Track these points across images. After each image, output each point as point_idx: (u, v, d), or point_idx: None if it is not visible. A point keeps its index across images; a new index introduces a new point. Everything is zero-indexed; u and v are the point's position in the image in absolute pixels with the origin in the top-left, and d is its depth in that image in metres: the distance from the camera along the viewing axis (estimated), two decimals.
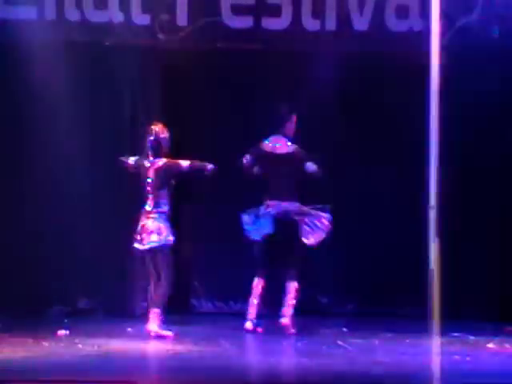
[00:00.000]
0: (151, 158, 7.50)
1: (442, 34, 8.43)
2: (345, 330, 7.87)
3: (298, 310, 8.61)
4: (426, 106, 8.72)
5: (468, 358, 6.50)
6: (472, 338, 7.46)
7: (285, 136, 7.91)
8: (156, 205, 7.43)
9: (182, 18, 8.44)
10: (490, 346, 7.07)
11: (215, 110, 8.75)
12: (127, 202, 8.28)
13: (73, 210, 8.48)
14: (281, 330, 7.73)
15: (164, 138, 7.52)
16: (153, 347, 6.98)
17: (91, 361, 6.42)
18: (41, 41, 8.27)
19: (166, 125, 7.65)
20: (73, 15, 8.36)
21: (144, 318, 8.41)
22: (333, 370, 6.10)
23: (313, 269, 8.70)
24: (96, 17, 8.38)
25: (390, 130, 8.62)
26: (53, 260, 8.46)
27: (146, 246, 7.38)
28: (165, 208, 7.45)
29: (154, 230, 7.37)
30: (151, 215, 7.41)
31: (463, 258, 8.56)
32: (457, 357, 6.54)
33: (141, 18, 8.41)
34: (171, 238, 7.44)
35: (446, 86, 8.74)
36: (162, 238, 7.39)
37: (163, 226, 7.40)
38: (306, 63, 8.68)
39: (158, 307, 7.34)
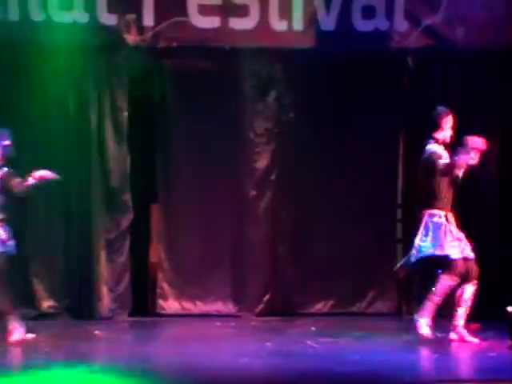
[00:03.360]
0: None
1: (407, 35, 8.54)
2: (314, 329, 7.88)
3: (268, 311, 8.65)
4: (394, 106, 8.82)
5: (435, 355, 6.52)
6: (439, 335, 7.50)
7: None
8: None
9: (148, 18, 8.41)
10: (457, 342, 7.11)
11: (183, 109, 8.73)
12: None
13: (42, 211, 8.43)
14: (251, 330, 7.77)
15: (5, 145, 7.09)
16: (121, 350, 6.93)
17: (60, 364, 6.36)
18: (4, 41, 8.20)
19: None
20: (37, 16, 8.28)
21: (112, 320, 8.40)
22: (302, 369, 6.11)
23: (282, 269, 8.73)
24: (61, 17, 8.32)
25: (358, 130, 8.65)
26: (17, 263, 8.38)
27: None
28: None
29: None
30: None
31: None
32: (424, 354, 6.56)
33: (107, 19, 8.36)
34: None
35: (412, 85, 8.85)
36: None
37: None
38: (274, 63, 8.70)
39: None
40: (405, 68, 8.79)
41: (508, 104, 8.70)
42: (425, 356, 6.49)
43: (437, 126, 7.17)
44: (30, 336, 7.19)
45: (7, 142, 7.13)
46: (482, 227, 8.34)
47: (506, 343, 6.58)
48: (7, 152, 7.13)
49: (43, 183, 7.16)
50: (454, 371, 5.99)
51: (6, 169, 7.13)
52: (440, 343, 6.99)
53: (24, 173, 7.07)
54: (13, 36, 8.26)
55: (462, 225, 7.18)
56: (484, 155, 7.09)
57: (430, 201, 7.08)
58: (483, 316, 8.02)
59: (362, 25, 8.54)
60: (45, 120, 8.40)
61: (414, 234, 8.69)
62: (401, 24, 8.57)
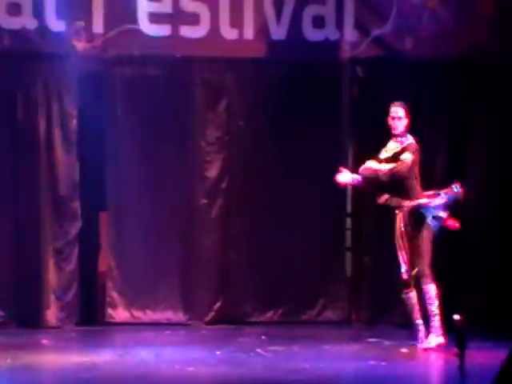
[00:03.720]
0: None
1: (356, 45, 8.62)
2: (264, 337, 7.89)
3: (218, 319, 8.64)
4: (343, 115, 8.89)
5: (383, 363, 6.58)
6: (387, 343, 7.56)
7: None
8: None
9: (98, 26, 8.36)
10: (404, 351, 7.17)
11: (134, 117, 8.70)
12: None
13: None
14: (201, 339, 7.75)
15: None
16: (69, 359, 6.86)
17: (5, 374, 6.28)
18: None
19: None
20: None
21: (60, 329, 8.32)
22: (252, 377, 6.11)
23: (233, 278, 8.72)
24: (9, 23, 8.24)
25: (308, 139, 8.69)
26: None
27: None
28: None
29: None
30: None
31: (380, 267, 8.68)
32: (372, 362, 6.61)
33: (56, 25, 8.30)
34: None
35: (361, 95, 8.93)
36: None
37: None
38: (225, 71, 8.72)
39: None
40: (355, 78, 8.87)
41: (455, 113, 8.82)
42: (372, 365, 6.53)
43: None
44: None
45: None
46: None
47: (452, 351, 6.66)
48: None
49: None
50: (400, 379, 6.03)
51: None
52: (392, 352, 7.07)
53: None
54: None
55: None
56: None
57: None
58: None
59: (312, 34, 8.59)
60: None
61: (363, 243, 8.81)
62: (351, 34, 8.65)
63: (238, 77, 8.75)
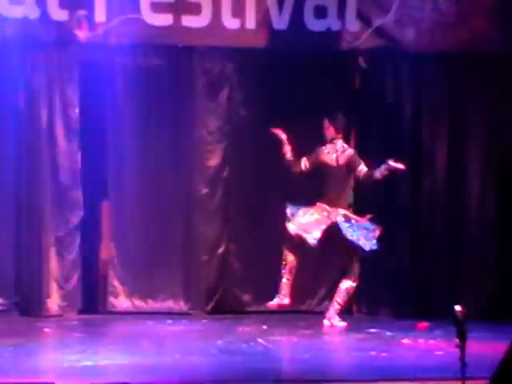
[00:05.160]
0: None
1: (358, 35, 8.61)
2: (265, 327, 7.91)
3: (218, 308, 8.67)
4: (345, 106, 8.89)
5: (384, 354, 6.60)
6: (388, 333, 7.59)
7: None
8: None
9: (100, 15, 8.36)
10: (405, 341, 7.20)
11: (135, 106, 8.70)
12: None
13: None
14: (202, 328, 7.78)
15: None
16: (71, 347, 6.89)
17: (7, 361, 6.31)
18: None
19: None
20: None
21: (61, 317, 8.35)
22: (253, 367, 6.13)
23: (233, 267, 8.74)
24: (11, 12, 8.23)
25: (310, 130, 8.68)
26: None
27: None
28: None
29: None
30: None
31: (381, 257, 8.70)
32: (373, 352, 6.64)
33: (58, 14, 8.29)
34: None
35: (363, 85, 8.93)
36: None
37: None
38: (227, 61, 8.71)
39: None
40: (356, 68, 8.87)
41: (457, 104, 8.83)
42: (373, 355, 6.56)
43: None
44: None
45: None
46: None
47: (453, 342, 6.68)
48: None
49: None
50: (400, 369, 6.05)
51: None
52: (393, 343, 7.10)
53: None
54: None
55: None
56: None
57: None
58: (431, 315, 8.16)
59: (314, 24, 8.58)
60: None
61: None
62: (352, 24, 8.64)
63: (240, 66, 8.75)
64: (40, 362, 6.41)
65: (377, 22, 8.61)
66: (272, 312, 8.66)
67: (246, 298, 8.77)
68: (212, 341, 7.11)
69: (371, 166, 7.98)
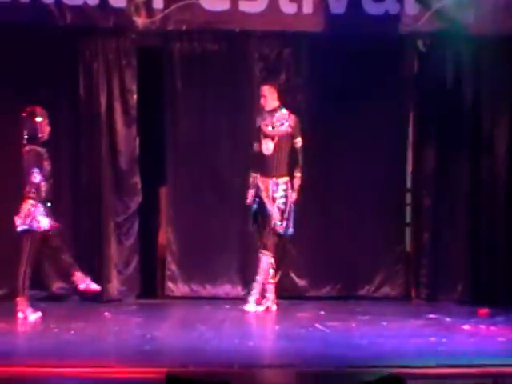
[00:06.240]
0: None
1: (417, 18, 8.49)
2: (322, 313, 7.89)
3: (277, 294, 8.66)
4: (404, 90, 8.79)
5: (444, 340, 6.53)
6: (448, 319, 7.51)
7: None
8: None
9: (157, 1, 8.37)
10: (466, 327, 7.12)
11: (192, 92, 8.72)
12: None
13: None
14: (259, 314, 7.79)
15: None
16: (130, 332, 6.96)
17: (68, 345, 6.40)
18: (13, 24, 8.18)
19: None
20: None
21: (120, 302, 8.44)
22: (310, 352, 6.12)
23: (290, 253, 8.72)
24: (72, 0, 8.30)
25: (367, 114, 8.62)
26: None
27: None
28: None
29: None
30: None
31: (440, 243, 8.62)
32: (433, 338, 6.57)
33: (116, 1, 8.33)
34: None
35: (422, 69, 8.82)
36: None
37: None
38: (283, 46, 8.67)
39: None
40: (415, 52, 8.75)
41: None
42: (433, 341, 6.49)
43: None
44: (36, 315, 7.28)
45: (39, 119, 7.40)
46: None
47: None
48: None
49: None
50: (461, 356, 5.99)
51: None
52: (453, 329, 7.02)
53: None
54: (22, 19, 8.23)
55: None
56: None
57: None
58: (492, 301, 8.05)
59: (372, 8, 8.48)
60: (54, 103, 8.39)
61: (423, 219, 8.74)
62: (411, 7, 8.51)
63: (297, 51, 8.70)
64: (100, 347, 6.48)
65: (436, 5, 8.47)
66: (329, 297, 8.64)
67: (304, 283, 8.75)
68: (270, 326, 7.12)
69: None
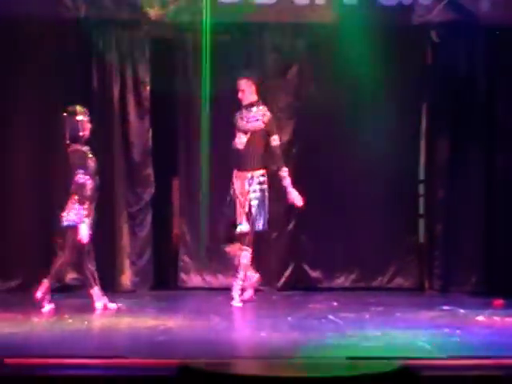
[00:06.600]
0: None
1: (430, 8, 8.45)
2: (335, 304, 7.89)
3: (289, 285, 8.67)
4: (417, 81, 8.76)
5: (458, 331, 6.52)
6: (462, 311, 7.49)
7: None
8: None
9: None
10: (480, 319, 7.11)
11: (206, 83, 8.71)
12: None
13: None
14: (272, 304, 7.79)
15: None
16: (143, 322, 6.98)
17: (81, 336, 6.42)
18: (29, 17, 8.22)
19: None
20: None
21: (134, 293, 8.46)
22: (323, 343, 6.12)
23: (303, 244, 8.73)
24: None
25: (380, 105, 8.59)
26: (41, 235, 8.45)
27: None
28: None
29: None
30: None
31: (453, 234, 8.60)
32: (447, 330, 6.56)
33: None
34: None
35: (435, 60, 8.78)
36: None
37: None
38: (296, 37, 8.65)
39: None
40: (428, 42, 8.72)
41: None
42: (447, 333, 6.48)
43: None
44: (50, 307, 7.35)
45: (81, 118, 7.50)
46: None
47: None
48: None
49: None
50: (475, 347, 5.97)
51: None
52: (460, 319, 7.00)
53: None
54: (36, 11, 8.26)
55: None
56: None
57: None
58: (507, 292, 8.03)
59: None
60: (67, 95, 8.41)
61: (436, 210, 8.72)
62: None
63: (310, 42, 8.68)
64: (113, 337, 6.50)
65: None
66: (342, 289, 8.64)
67: (317, 274, 8.75)
68: (283, 317, 7.12)
69: None
